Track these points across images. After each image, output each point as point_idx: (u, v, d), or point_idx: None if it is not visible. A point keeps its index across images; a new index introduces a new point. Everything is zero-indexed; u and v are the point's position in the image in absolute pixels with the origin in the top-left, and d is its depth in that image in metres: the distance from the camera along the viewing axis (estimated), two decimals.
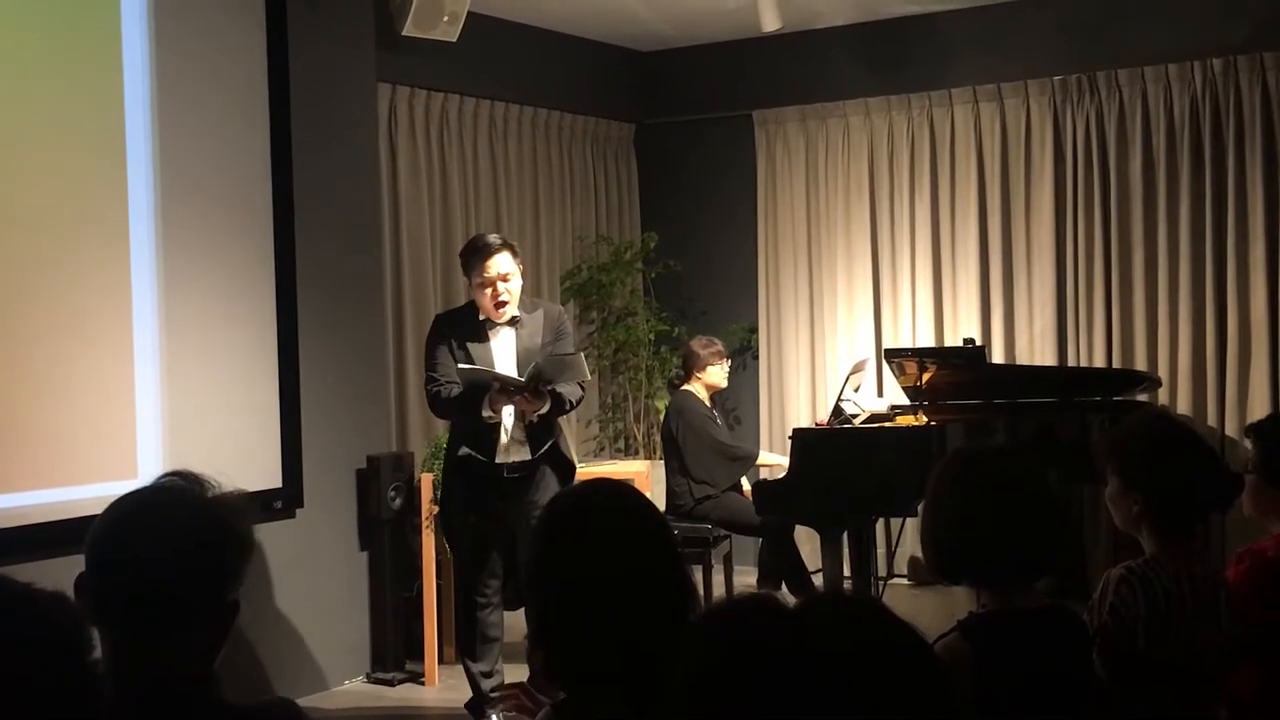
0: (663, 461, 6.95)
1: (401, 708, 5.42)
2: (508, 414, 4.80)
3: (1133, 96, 6.71)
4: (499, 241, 4.85)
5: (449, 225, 6.78)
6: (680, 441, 6.25)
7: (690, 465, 6.22)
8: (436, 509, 5.70)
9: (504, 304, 4.82)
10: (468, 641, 5.00)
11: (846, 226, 7.46)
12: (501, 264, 4.79)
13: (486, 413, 4.74)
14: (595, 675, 1.82)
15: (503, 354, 4.87)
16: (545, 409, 4.76)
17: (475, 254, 4.83)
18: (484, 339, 4.86)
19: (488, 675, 4.96)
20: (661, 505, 6.39)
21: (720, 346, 6.50)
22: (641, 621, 1.81)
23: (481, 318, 4.87)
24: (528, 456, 4.88)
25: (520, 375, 4.75)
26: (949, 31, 7.13)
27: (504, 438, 4.83)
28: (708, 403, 6.43)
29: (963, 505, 2.36)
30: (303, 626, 5.47)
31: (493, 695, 4.95)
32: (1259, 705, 2.91)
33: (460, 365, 4.73)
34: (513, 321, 4.88)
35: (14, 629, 1.43)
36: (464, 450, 4.86)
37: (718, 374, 6.43)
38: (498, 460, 4.84)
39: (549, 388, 4.73)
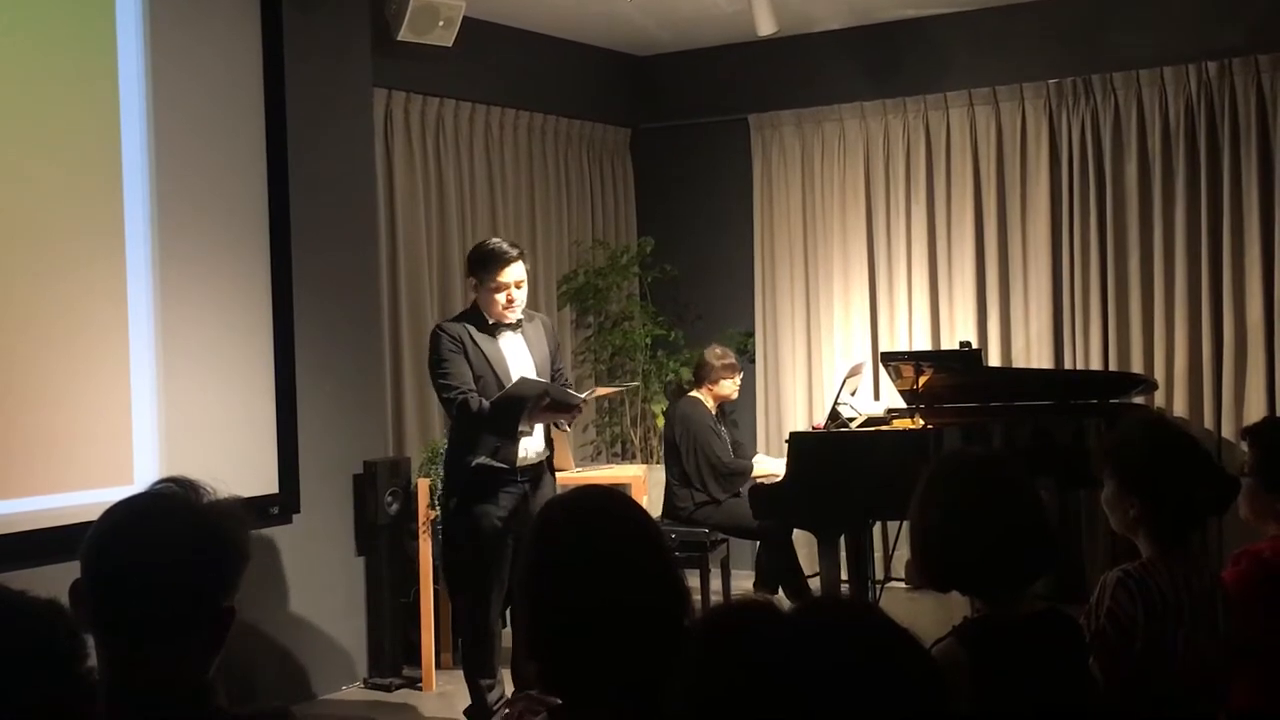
0: (659, 465, 6.95)
1: (399, 714, 5.41)
2: (538, 426, 4.93)
3: (1128, 100, 6.71)
4: (517, 251, 4.91)
5: (445, 230, 6.78)
6: (681, 449, 6.25)
7: (689, 474, 6.23)
8: (434, 514, 5.70)
9: (512, 307, 4.89)
10: (479, 659, 4.94)
11: (843, 230, 7.46)
12: (518, 272, 4.87)
13: (524, 427, 4.80)
14: (590, 683, 1.82)
15: (515, 357, 4.92)
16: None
17: (493, 259, 4.86)
18: (494, 338, 4.91)
19: (492, 688, 4.95)
20: (659, 509, 6.39)
21: (734, 360, 6.49)
22: (635, 628, 1.81)
23: (491, 321, 4.91)
24: (539, 460, 4.95)
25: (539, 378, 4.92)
26: (944, 35, 7.14)
27: (526, 438, 4.88)
28: (714, 412, 6.43)
29: (948, 514, 2.35)
30: (299, 632, 5.47)
31: (496, 707, 4.94)
32: (1256, 708, 2.91)
33: (525, 377, 4.80)
34: (515, 326, 4.94)
35: (8, 637, 1.43)
36: (482, 459, 4.83)
37: (729, 387, 6.45)
38: (517, 465, 4.87)
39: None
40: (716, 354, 6.48)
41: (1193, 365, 6.60)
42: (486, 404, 4.76)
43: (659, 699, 1.35)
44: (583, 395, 5.03)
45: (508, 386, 4.80)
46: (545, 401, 4.79)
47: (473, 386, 4.80)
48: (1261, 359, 6.44)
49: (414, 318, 6.53)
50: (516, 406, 4.74)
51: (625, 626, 1.81)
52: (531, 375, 4.88)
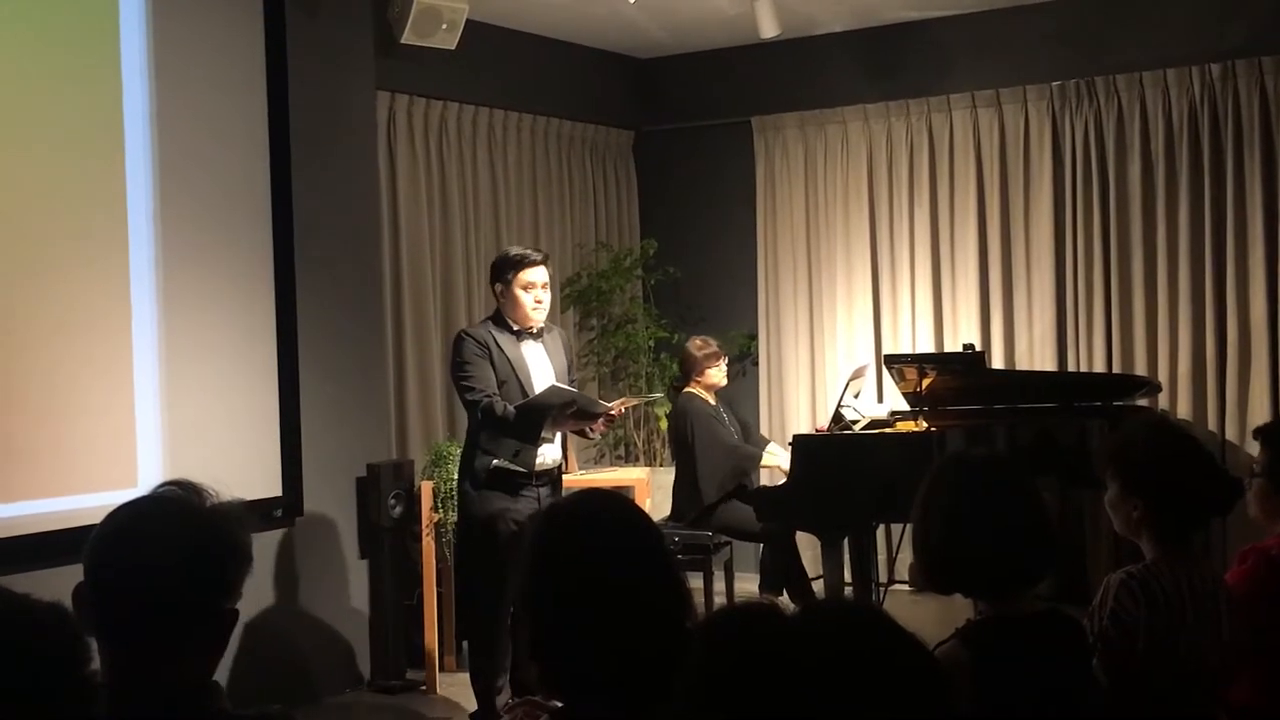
0: (663, 468, 6.93)
1: (403, 716, 5.41)
2: (558, 435, 4.96)
3: (1131, 101, 6.71)
4: (541, 255, 4.98)
5: (448, 233, 6.78)
6: (692, 442, 6.23)
7: (700, 466, 6.20)
8: (438, 516, 5.70)
9: (540, 308, 4.92)
10: (487, 661, 4.93)
11: (846, 232, 7.46)
12: (543, 274, 4.92)
13: (546, 434, 4.82)
14: (591, 684, 1.82)
15: (537, 363, 4.95)
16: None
17: (520, 261, 4.91)
18: (518, 344, 4.93)
19: (499, 691, 4.95)
20: (663, 512, 6.38)
21: (715, 347, 6.49)
22: (636, 630, 1.81)
23: (515, 327, 4.92)
24: (555, 466, 4.96)
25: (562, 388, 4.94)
26: (947, 37, 7.14)
27: (545, 444, 4.89)
28: (712, 401, 6.43)
29: (951, 516, 2.35)
30: (303, 635, 5.47)
31: (503, 711, 4.93)
32: (1258, 706, 2.90)
33: (555, 384, 4.82)
34: (538, 334, 4.98)
35: (12, 640, 1.43)
36: (499, 462, 4.83)
37: (717, 374, 6.43)
38: (536, 469, 4.88)
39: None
40: (697, 345, 6.48)
41: (1196, 367, 6.60)
42: (511, 409, 4.77)
43: (661, 701, 1.35)
44: (611, 405, 5.03)
45: (536, 391, 4.82)
46: (571, 409, 4.80)
47: (496, 390, 4.81)
48: (1265, 361, 6.43)
49: (417, 320, 6.53)
50: (541, 413, 4.75)
51: (627, 629, 1.81)
52: (553, 382, 4.90)
